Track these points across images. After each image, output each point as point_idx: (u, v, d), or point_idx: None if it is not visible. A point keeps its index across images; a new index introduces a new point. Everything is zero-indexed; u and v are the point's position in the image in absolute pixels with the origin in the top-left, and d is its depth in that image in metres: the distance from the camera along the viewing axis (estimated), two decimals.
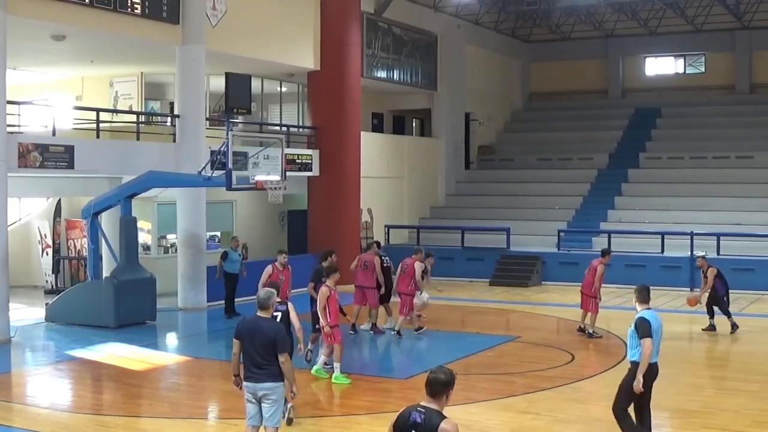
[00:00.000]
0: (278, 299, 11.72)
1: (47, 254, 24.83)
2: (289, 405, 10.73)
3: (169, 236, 24.54)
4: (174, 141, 22.02)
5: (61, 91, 26.94)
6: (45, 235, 24.92)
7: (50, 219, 25.10)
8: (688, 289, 24.63)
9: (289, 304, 11.96)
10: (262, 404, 8.97)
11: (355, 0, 26.56)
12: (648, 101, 37.53)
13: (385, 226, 29.44)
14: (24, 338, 17.84)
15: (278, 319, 11.72)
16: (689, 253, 25.15)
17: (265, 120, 28.87)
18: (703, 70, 38.43)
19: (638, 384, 9.53)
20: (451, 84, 33.39)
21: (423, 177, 32.50)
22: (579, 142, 35.30)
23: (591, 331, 17.70)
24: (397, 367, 16.12)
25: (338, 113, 25.96)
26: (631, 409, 9.98)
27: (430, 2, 31.59)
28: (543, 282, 26.52)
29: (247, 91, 20.07)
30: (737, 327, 18.36)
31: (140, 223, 21.57)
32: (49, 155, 18.61)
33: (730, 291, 18.80)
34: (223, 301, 20.45)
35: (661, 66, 39.22)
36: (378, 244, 19.42)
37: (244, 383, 9.05)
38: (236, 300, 20.32)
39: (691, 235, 25.39)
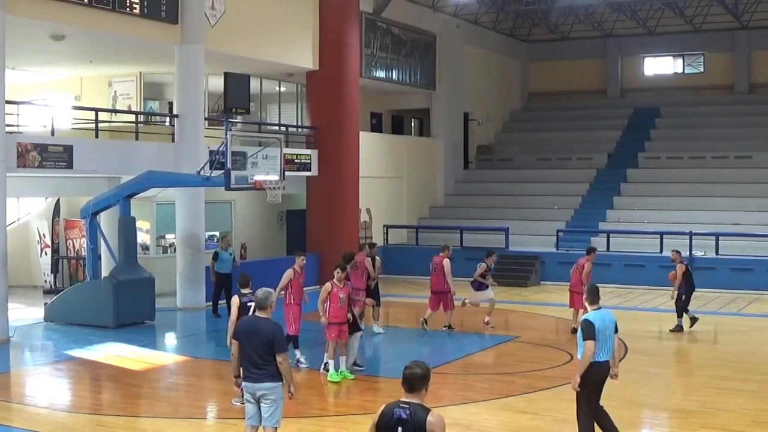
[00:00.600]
0: (249, 290, 12.25)
1: (46, 254, 24.82)
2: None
3: (167, 236, 24.53)
4: (173, 141, 22.02)
5: (60, 90, 26.92)
6: (44, 234, 24.91)
7: (49, 219, 25.09)
8: None
9: None
10: (261, 404, 8.97)
11: (354, 0, 26.55)
12: (647, 101, 37.54)
13: (384, 226, 29.45)
14: (23, 338, 17.84)
15: (251, 311, 11.80)
16: (688, 252, 25.17)
17: (264, 120, 28.86)
18: (702, 70, 38.44)
19: (574, 383, 9.66)
20: (450, 84, 33.39)
21: (422, 177, 32.50)
22: (578, 142, 35.31)
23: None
24: (397, 367, 16.07)
25: (337, 113, 25.95)
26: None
27: (429, 2, 31.60)
28: (542, 282, 26.53)
29: (245, 90, 20.07)
30: (681, 329, 18.38)
31: (139, 223, 21.55)
32: (48, 155, 18.60)
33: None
34: (224, 301, 20.41)
35: (660, 66, 39.24)
36: (372, 245, 19.31)
37: (243, 383, 9.05)
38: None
39: (690, 235, 25.41)
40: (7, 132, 17.70)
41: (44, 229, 24.95)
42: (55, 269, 24.43)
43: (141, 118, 25.27)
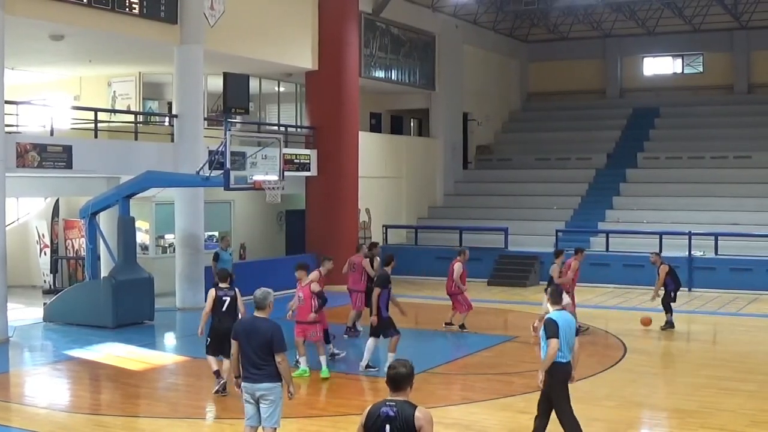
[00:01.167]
0: (227, 285, 12.76)
1: (45, 254, 24.82)
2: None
3: (167, 236, 24.53)
4: (172, 141, 22.02)
5: (59, 90, 26.92)
6: (43, 235, 24.91)
7: (48, 219, 25.09)
8: (686, 289, 24.66)
9: (237, 290, 12.89)
10: (260, 404, 8.97)
11: (353, 0, 26.55)
12: (646, 101, 37.56)
13: (383, 226, 29.45)
14: (22, 338, 17.84)
15: (225, 306, 12.71)
16: (687, 253, 25.19)
17: (263, 120, 28.87)
18: (701, 70, 38.45)
19: (538, 380, 9.75)
20: (449, 84, 33.40)
21: (421, 177, 32.50)
22: (577, 142, 35.32)
23: (577, 326, 17.82)
24: None
25: (336, 113, 25.96)
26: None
27: (428, 2, 31.59)
28: (541, 282, 26.41)
29: (245, 91, 20.06)
30: (671, 326, 18.51)
31: (138, 223, 21.54)
32: (47, 155, 18.61)
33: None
34: None
35: (659, 66, 39.25)
36: (374, 245, 19.27)
37: (242, 383, 9.05)
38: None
39: (690, 235, 25.41)
40: (7, 132, 17.71)
41: (43, 229, 24.94)
42: (54, 269, 24.43)
43: (140, 118, 25.28)
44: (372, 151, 28.97)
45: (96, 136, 20.78)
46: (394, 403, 6.18)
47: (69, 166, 19.10)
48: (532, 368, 14.62)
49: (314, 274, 14.84)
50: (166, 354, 17.08)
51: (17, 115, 19.54)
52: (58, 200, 24.86)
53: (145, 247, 24.11)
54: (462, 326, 18.17)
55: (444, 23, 32.80)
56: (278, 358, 8.83)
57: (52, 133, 19.78)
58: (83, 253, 21.92)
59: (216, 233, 26.24)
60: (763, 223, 27.09)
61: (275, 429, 9.06)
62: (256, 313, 9.11)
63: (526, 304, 22.82)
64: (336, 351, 15.40)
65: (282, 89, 29.35)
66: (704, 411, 12.23)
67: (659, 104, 37.03)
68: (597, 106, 38.76)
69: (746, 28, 36.04)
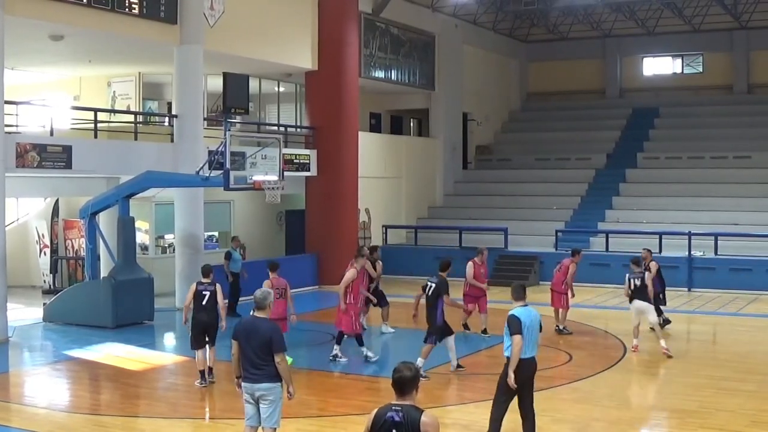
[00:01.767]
0: (208, 280, 13.41)
1: (45, 254, 24.82)
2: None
3: (166, 236, 24.55)
4: (172, 141, 22.02)
5: (58, 91, 26.93)
6: (43, 235, 24.91)
7: (48, 219, 25.09)
8: (686, 289, 24.68)
9: (217, 285, 13.51)
10: (260, 405, 8.97)
11: (353, 0, 26.55)
12: (646, 101, 37.56)
13: (383, 226, 29.45)
14: (22, 338, 17.84)
15: (205, 300, 13.32)
16: (687, 253, 25.19)
17: (263, 120, 28.86)
18: (701, 70, 38.46)
19: (510, 380, 9.72)
20: (449, 84, 33.40)
21: (421, 177, 32.50)
22: (577, 142, 35.32)
23: (561, 327, 17.91)
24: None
25: (336, 113, 25.95)
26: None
27: (428, 2, 31.59)
28: (540, 282, 26.46)
29: (244, 91, 20.06)
30: (668, 321, 18.61)
31: (138, 223, 21.55)
32: (47, 155, 18.61)
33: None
34: (243, 299, 20.37)
35: (658, 66, 39.25)
36: (374, 248, 19.19)
37: (242, 383, 9.05)
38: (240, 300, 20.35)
39: (689, 235, 25.41)
40: (6, 132, 17.71)
41: (43, 230, 24.94)
42: (54, 269, 24.43)
43: (140, 118, 25.29)
44: (372, 151, 28.97)
45: (96, 137, 20.77)
46: (400, 408, 6.06)
47: (69, 166, 19.10)
48: None
49: (352, 273, 14.92)
50: (165, 354, 17.08)
51: (17, 115, 19.54)
52: (57, 200, 24.86)
53: (144, 247, 24.12)
54: (465, 326, 18.18)
55: (444, 23, 32.80)
56: (277, 359, 8.83)
57: (51, 133, 19.78)
58: (83, 253, 21.92)
59: (216, 233, 26.27)
60: (762, 223, 27.09)
61: (275, 429, 9.06)
62: (257, 314, 9.11)
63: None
64: (370, 354, 15.30)
65: (282, 89, 29.35)
66: (704, 411, 12.23)
67: (659, 104, 37.03)
68: (597, 106, 38.76)
69: (746, 28, 36.05)
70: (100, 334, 17.98)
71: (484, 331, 17.66)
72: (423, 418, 6.00)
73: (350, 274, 15.00)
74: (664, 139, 34.82)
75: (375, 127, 34.01)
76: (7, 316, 17.62)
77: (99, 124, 21.24)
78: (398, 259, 27.63)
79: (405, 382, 6.14)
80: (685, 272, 24.91)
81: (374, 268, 17.79)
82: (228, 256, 20.57)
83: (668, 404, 12.73)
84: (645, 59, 39.26)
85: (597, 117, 37.62)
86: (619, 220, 29.52)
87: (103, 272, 20.30)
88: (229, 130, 18.88)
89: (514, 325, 9.68)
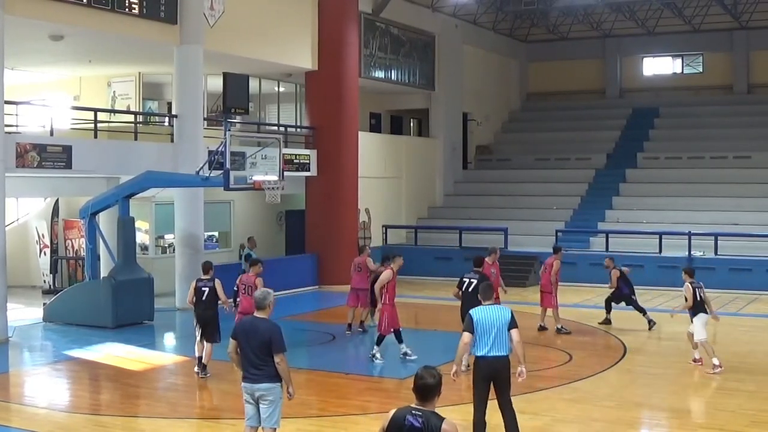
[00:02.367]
0: (207, 277, 14.04)
1: (45, 254, 24.82)
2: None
3: (166, 236, 24.55)
4: (172, 141, 22.03)
5: (58, 91, 26.93)
6: (43, 235, 24.91)
7: (48, 219, 25.09)
8: None
9: (217, 281, 14.07)
10: (260, 405, 8.96)
11: (353, 0, 26.55)
12: (646, 101, 37.56)
13: (383, 226, 29.45)
14: (22, 338, 17.84)
15: (204, 295, 13.91)
16: (687, 253, 25.19)
17: (263, 120, 28.86)
18: (700, 70, 38.45)
19: (453, 374, 9.89)
20: (449, 84, 33.39)
21: (421, 177, 32.49)
22: (577, 142, 35.31)
23: (559, 326, 18.01)
24: (396, 367, 16.10)
25: (336, 113, 25.95)
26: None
27: (428, 2, 31.59)
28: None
29: (244, 91, 20.07)
30: (654, 323, 18.71)
31: (138, 223, 21.56)
32: (47, 155, 18.61)
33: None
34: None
35: (658, 66, 39.24)
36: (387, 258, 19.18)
37: (242, 384, 9.04)
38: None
39: (689, 235, 25.42)
40: (6, 132, 17.71)
41: (43, 230, 24.94)
42: (54, 269, 24.43)
43: (140, 118, 25.28)
44: (372, 151, 28.97)
45: (96, 137, 20.78)
46: (420, 413, 5.95)
47: (69, 166, 19.11)
48: (531, 368, 14.61)
49: (388, 273, 14.98)
50: (165, 354, 17.08)
51: (17, 115, 19.54)
52: (57, 200, 24.86)
53: (144, 247, 24.12)
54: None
55: (444, 23, 32.79)
56: (277, 359, 8.82)
57: (51, 133, 19.78)
58: (83, 253, 21.92)
59: (216, 233, 26.28)
60: (762, 223, 27.09)
61: (275, 429, 9.06)
62: (256, 314, 9.10)
63: (525, 304, 22.78)
64: (408, 351, 15.32)
65: (282, 89, 29.35)
66: (704, 411, 12.23)
67: (659, 104, 37.03)
68: (597, 106, 38.75)
69: (746, 28, 36.04)
70: (100, 334, 17.98)
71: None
72: (444, 426, 5.91)
73: (386, 274, 15.04)
74: (664, 139, 34.82)
75: (375, 127, 34.01)
76: (7, 316, 17.62)
77: (99, 124, 21.24)
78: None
79: (429, 389, 6.04)
80: None
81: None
82: (247, 257, 20.65)
83: (668, 404, 12.73)
84: (645, 59, 39.25)
85: (597, 117, 37.62)
86: (619, 220, 29.52)
87: (103, 272, 20.30)
88: (229, 130, 18.88)
89: (466, 323, 9.95)
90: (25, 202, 25.44)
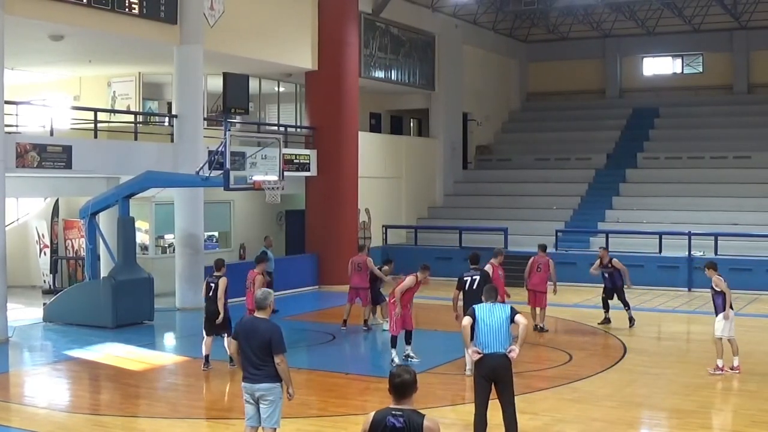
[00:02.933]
0: (218, 273, 14.63)
1: (45, 254, 24.81)
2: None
3: (166, 236, 24.54)
4: (172, 141, 22.02)
5: (58, 91, 26.93)
6: (43, 235, 24.90)
7: (48, 219, 25.09)
8: (686, 289, 24.67)
9: (221, 279, 14.57)
10: (260, 405, 8.96)
11: (353, 0, 26.55)
12: (646, 101, 37.54)
13: (383, 226, 29.44)
14: (22, 338, 17.84)
15: (212, 291, 14.53)
16: (687, 253, 25.18)
17: (263, 120, 28.86)
18: (700, 70, 38.44)
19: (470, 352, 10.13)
20: (449, 84, 33.39)
21: (421, 177, 32.49)
22: (577, 143, 35.30)
23: (542, 325, 17.96)
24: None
25: (336, 113, 25.95)
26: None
27: (428, 2, 31.58)
28: None
29: (244, 91, 20.07)
30: (634, 321, 18.72)
31: (138, 223, 21.56)
32: (47, 155, 18.61)
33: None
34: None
35: (658, 66, 39.23)
36: (389, 261, 19.17)
37: (242, 384, 9.04)
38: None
39: (689, 235, 25.41)
40: (6, 132, 17.71)
41: (43, 230, 24.94)
42: (54, 269, 24.43)
43: (140, 118, 25.27)
44: (372, 151, 28.96)
45: (96, 137, 20.77)
46: (400, 413, 5.94)
47: (69, 166, 19.10)
48: (531, 368, 14.66)
49: (411, 279, 14.92)
50: (165, 354, 17.08)
51: (17, 115, 19.54)
52: (57, 200, 24.86)
53: (144, 247, 24.11)
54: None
55: (444, 23, 32.79)
56: (277, 359, 8.82)
57: (51, 133, 19.78)
58: (83, 253, 21.92)
59: (216, 233, 26.27)
60: (763, 223, 27.09)
61: (275, 429, 9.06)
62: (257, 314, 9.10)
63: (525, 304, 22.77)
64: (411, 354, 15.28)
65: (282, 89, 29.35)
66: (704, 411, 12.23)
67: (659, 104, 37.02)
68: (597, 106, 38.74)
69: (746, 28, 36.03)
70: (100, 334, 17.98)
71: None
72: (426, 423, 5.90)
73: (410, 280, 14.90)
74: (664, 139, 34.81)
75: (375, 127, 34.00)
76: (7, 316, 17.62)
77: (99, 124, 21.24)
78: (398, 260, 27.49)
79: (406, 386, 6.03)
80: (685, 272, 24.90)
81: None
82: (264, 255, 20.69)
83: (668, 404, 12.72)
84: (645, 59, 39.24)
85: (597, 117, 37.61)
86: (619, 220, 29.52)
87: (103, 272, 20.30)
88: (229, 130, 18.88)
89: (468, 312, 10.20)
90: (25, 202, 25.44)
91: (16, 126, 19.33)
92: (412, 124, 37.85)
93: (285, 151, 22.30)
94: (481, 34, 35.50)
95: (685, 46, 37.97)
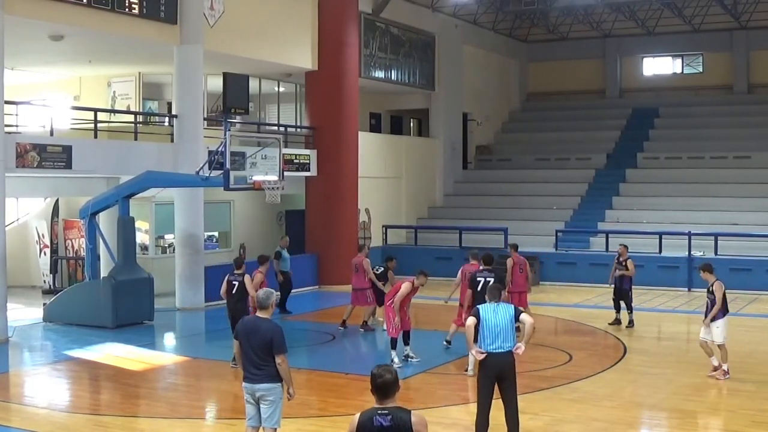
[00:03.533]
0: (240, 272, 14.68)
1: (45, 254, 24.81)
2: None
3: (166, 236, 24.54)
4: (172, 141, 22.02)
5: (58, 91, 26.93)
6: (43, 235, 24.90)
7: (48, 219, 25.09)
8: (686, 289, 24.67)
9: (246, 276, 14.65)
10: (261, 405, 8.96)
11: (353, 0, 26.55)
12: (646, 101, 37.54)
13: (383, 226, 29.44)
14: (22, 338, 17.84)
15: (234, 289, 14.57)
16: (687, 253, 25.18)
17: (263, 120, 28.86)
18: (700, 70, 38.44)
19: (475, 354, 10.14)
20: (449, 84, 33.39)
21: (421, 177, 32.49)
22: (577, 143, 35.30)
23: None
24: (396, 367, 16.14)
25: (336, 113, 25.95)
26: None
27: (428, 2, 31.58)
28: (540, 282, 26.48)
29: (244, 91, 20.07)
30: (633, 324, 18.66)
31: (138, 223, 21.55)
32: (47, 155, 18.61)
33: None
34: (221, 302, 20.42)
35: (658, 66, 39.23)
36: (391, 258, 19.20)
37: (243, 384, 9.04)
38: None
39: (689, 235, 25.41)
40: (6, 132, 17.71)
41: (43, 230, 24.94)
42: (54, 269, 24.43)
43: (140, 118, 25.27)
44: (372, 151, 28.97)
45: (96, 137, 20.77)
46: (387, 412, 5.96)
47: (69, 166, 19.10)
48: (531, 368, 14.65)
49: (407, 286, 14.82)
50: (165, 354, 17.08)
51: (17, 115, 19.54)
52: (57, 200, 24.86)
53: (144, 247, 24.11)
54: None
55: (444, 23, 32.79)
56: (278, 360, 8.82)
57: (51, 133, 19.77)
58: (83, 253, 21.92)
59: (216, 233, 26.26)
60: (763, 223, 27.09)
61: (275, 429, 9.06)
62: (259, 314, 9.10)
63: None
64: (411, 354, 15.26)
65: (282, 89, 29.35)
66: (704, 411, 12.23)
67: (659, 104, 37.02)
68: (597, 106, 38.74)
69: (746, 28, 36.03)
70: (100, 334, 17.98)
71: None
72: (413, 419, 5.95)
73: (406, 287, 14.79)
74: (664, 139, 34.81)
75: (375, 127, 34.01)
76: (7, 316, 17.62)
77: (99, 124, 21.23)
78: (398, 260, 27.57)
79: (388, 385, 6.06)
80: (685, 272, 24.90)
81: (386, 277, 18.34)
82: (278, 255, 20.78)
83: (668, 404, 12.72)
84: (645, 59, 39.24)
85: (597, 117, 37.60)
86: (619, 220, 29.51)
87: (103, 272, 20.30)
88: (229, 130, 18.88)
89: (472, 312, 10.30)
90: (25, 202, 25.44)
91: (16, 126, 19.33)
92: (412, 124, 37.86)
93: (285, 151, 22.30)
94: (481, 34, 35.50)
95: (685, 46, 37.97)
